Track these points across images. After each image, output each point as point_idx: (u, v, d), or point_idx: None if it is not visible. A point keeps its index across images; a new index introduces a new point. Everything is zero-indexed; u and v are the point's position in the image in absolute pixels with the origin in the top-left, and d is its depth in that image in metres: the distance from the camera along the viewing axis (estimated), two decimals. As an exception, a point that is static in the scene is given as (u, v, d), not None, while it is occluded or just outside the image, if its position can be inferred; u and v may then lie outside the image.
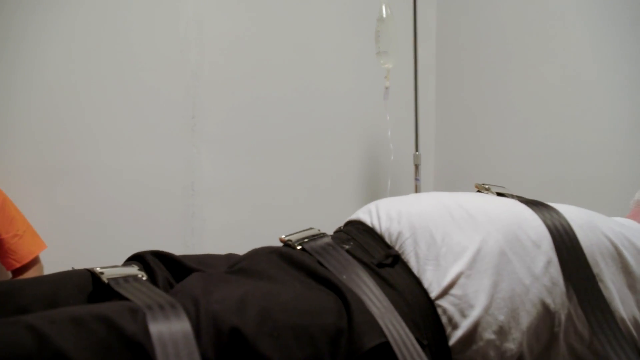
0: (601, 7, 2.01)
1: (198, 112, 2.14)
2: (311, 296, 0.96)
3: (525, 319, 1.05)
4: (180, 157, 2.13)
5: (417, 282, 1.06)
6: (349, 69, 2.45)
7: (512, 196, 1.32)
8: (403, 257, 1.10)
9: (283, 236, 1.17)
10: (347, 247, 1.13)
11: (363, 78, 2.45)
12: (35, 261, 1.86)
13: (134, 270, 1.01)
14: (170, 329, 0.82)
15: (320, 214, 2.19)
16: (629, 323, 1.11)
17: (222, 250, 1.30)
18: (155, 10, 2.07)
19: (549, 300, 1.06)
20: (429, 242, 1.09)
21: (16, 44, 1.88)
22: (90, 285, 0.99)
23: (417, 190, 2.37)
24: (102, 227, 2.00)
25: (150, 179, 2.07)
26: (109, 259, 1.21)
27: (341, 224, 1.33)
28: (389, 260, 1.09)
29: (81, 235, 1.97)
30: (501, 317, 1.03)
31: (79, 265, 1.07)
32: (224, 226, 2.18)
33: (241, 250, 1.21)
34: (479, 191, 1.41)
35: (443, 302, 1.03)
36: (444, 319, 1.02)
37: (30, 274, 1.84)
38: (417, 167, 2.39)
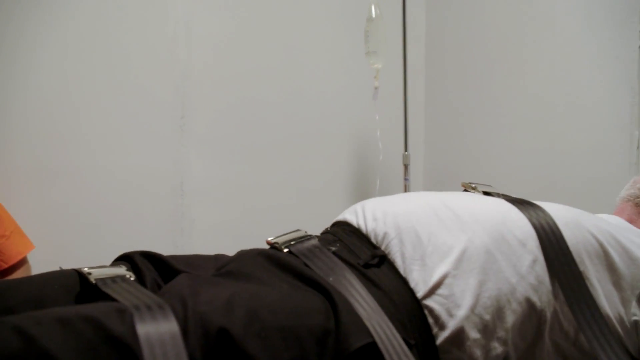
0: (588, 8, 2.03)
1: (187, 112, 2.14)
2: (298, 297, 0.96)
3: (511, 318, 1.05)
4: (170, 157, 2.12)
5: (404, 282, 1.06)
6: (338, 69, 2.45)
7: (498, 195, 1.32)
8: (389, 257, 1.10)
9: (270, 239, 1.17)
10: (333, 248, 1.13)
11: (352, 78, 2.45)
12: (23, 262, 1.85)
13: (121, 270, 1.01)
14: (157, 329, 0.82)
15: (309, 214, 2.20)
16: (614, 320, 1.12)
17: (211, 251, 1.30)
18: (144, 10, 2.07)
19: (535, 299, 1.07)
20: (415, 242, 1.10)
21: (7, 45, 1.88)
22: (78, 286, 0.99)
23: (406, 190, 2.38)
24: (91, 227, 2.00)
25: (139, 179, 2.07)
26: (98, 259, 1.21)
27: (330, 224, 1.33)
28: (375, 261, 1.10)
29: (70, 236, 1.97)
30: (487, 316, 1.03)
31: (68, 266, 1.06)
32: (213, 226, 2.18)
33: (230, 250, 1.22)
34: (465, 190, 1.42)
35: (429, 302, 1.04)
36: (430, 319, 1.03)
37: (18, 274, 1.83)
38: (406, 167, 2.40)
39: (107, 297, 0.91)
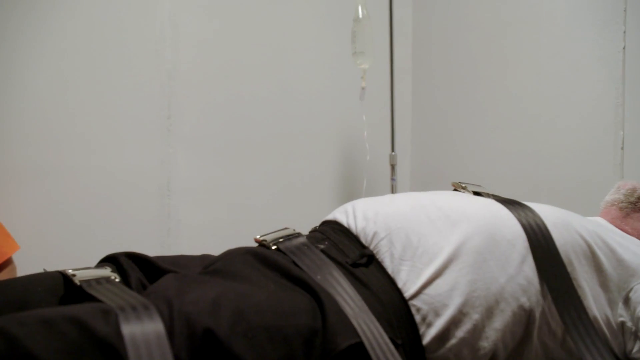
0: (573, 9, 2.04)
1: (174, 112, 2.13)
2: (285, 297, 0.96)
3: (500, 318, 1.06)
4: (156, 158, 2.11)
5: (392, 281, 1.07)
6: (325, 69, 2.45)
7: (488, 195, 1.33)
8: (378, 257, 1.11)
9: (258, 236, 1.17)
10: (322, 246, 1.13)
11: (339, 78, 2.45)
12: (7, 262, 1.83)
13: (106, 272, 1.00)
14: (143, 330, 0.81)
15: (296, 214, 2.19)
16: (601, 321, 1.13)
17: (198, 251, 1.30)
18: (130, 10, 2.05)
19: (523, 299, 1.08)
20: (405, 243, 1.10)
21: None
22: (62, 288, 0.98)
23: (393, 190, 2.38)
24: (77, 228, 1.98)
25: (125, 180, 2.06)
26: (84, 260, 1.20)
27: (317, 223, 1.33)
28: (364, 260, 1.10)
29: (55, 237, 1.95)
30: (475, 316, 1.04)
31: (54, 267, 1.06)
32: (200, 226, 2.17)
33: (218, 250, 1.21)
34: (455, 189, 1.42)
35: (417, 302, 1.04)
36: (417, 318, 1.03)
37: (3, 275, 1.81)
38: (393, 167, 2.40)
39: (91, 299, 0.90)
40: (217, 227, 2.19)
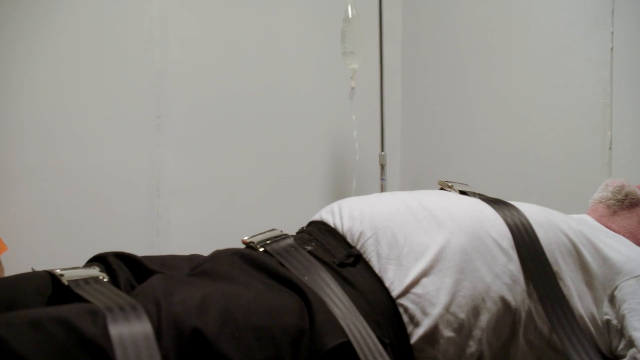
0: (562, 10, 2.05)
1: (163, 112, 2.13)
2: (273, 297, 0.96)
3: (486, 317, 1.06)
4: (145, 157, 2.11)
5: (379, 281, 1.07)
6: (315, 69, 2.45)
7: (474, 194, 1.33)
8: (365, 256, 1.11)
9: (245, 238, 1.17)
10: (309, 248, 1.13)
11: (329, 78, 2.45)
12: (-5, 263, 1.82)
13: (94, 271, 1.00)
14: (130, 330, 0.81)
15: (286, 213, 2.20)
16: (586, 319, 1.14)
17: (187, 251, 1.29)
18: (119, 9, 2.05)
19: (509, 298, 1.08)
20: (391, 242, 1.11)
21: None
22: (50, 288, 0.98)
23: (382, 189, 2.39)
24: (66, 227, 1.97)
25: (114, 179, 2.05)
26: (73, 260, 1.20)
27: (306, 223, 1.33)
28: (351, 260, 1.10)
29: (44, 237, 1.94)
30: (462, 315, 1.04)
31: (42, 267, 1.05)
32: (190, 226, 2.17)
33: (207, 250, 1.21)
34: (442, 188, 1.43)
35: (404, 301, 1.04)
36: (405, 318, 1.03)
37: (-9, 275, 1.81)
38: (382, 166, 2.40)
39: (79, 299, 0.90)
40: (207, 227, 2.18)
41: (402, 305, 1.04)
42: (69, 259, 1.25)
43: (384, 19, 2.43)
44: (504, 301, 1.08)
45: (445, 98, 2.48)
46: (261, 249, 1.12)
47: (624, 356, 1.11)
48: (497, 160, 2.25)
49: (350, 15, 2.25)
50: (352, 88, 2.28)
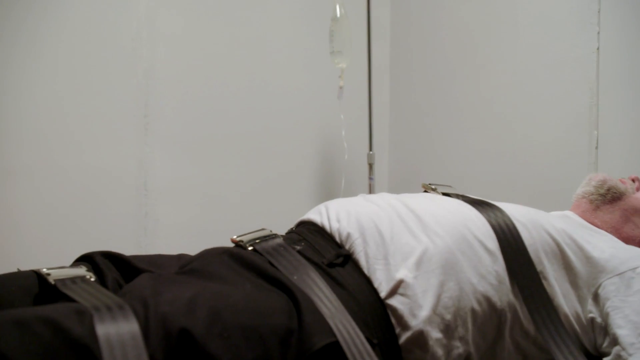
0: (549, 10, 2.06)
1: (151, 111, 2.12)
2: (261, 297, 0.96)
3: (472, 317, 1.07)
4: (133, 157, 2.10)
5: (368, 281, 1.07)
6: (303, 68, 2.45)
7: (457, 196, 1.34)
8: (353, 256, 1.11)
9: (234, 237, 1.17)
10: (298, 247, 1.14)
11: (317, 77, 2.45)
12: (-19, 262, 1.81)
13: (81, 271, 0.99)
14: (118, 330, 0.81)
15: (274, 213, 2.19)
16: (571, 318, 1.15)
17: (176, 250, 1.29)
18: (106, 7, 2.04)
19: (495, 299, 1.09)
20: (378, 242, 1.11)
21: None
22: (37, 287, 0.97)
23: (371, 188, 2.39)
24: (53, 227, 1.96)
25: (102, 179, 2.04)
26: (60, 259, 1.19)
27: (295, 222, 1.33)
28: (340, 260, 1.10)
29: (31, 235, 1.93)
30: (448, 316, 1.05)
31: (29, 266, 1.04)
32: (178, 226, 2.16)
33: (195, 249, 1.21)
34: (425, 191, 1.43)
35: (392, 302, 1.04)
36: (393, 319, 1.04)
37: (-24, 275, 1.79)
38: (371, 166, 2.41)
39: (66, 299, 0.90)
40: (195, 226, 2.18)
41: (390, 306, 1.04)
42: (56, 259, 1.24)
43: (372, 18, 2.43)
44: (489, 302, 1.08)
45: (434, 97, 2.49)
46: (250, 248, 1.12)
47: (609, 353, 1.12)
48: (484, 159, 2.26)
49: (338, 15, 2.25)
50: (341, 87, 2.28)
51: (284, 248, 1.12)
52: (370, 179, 2.39)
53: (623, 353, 1.07)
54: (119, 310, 0.84)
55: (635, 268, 1.14)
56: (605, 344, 1.13)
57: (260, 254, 1.10)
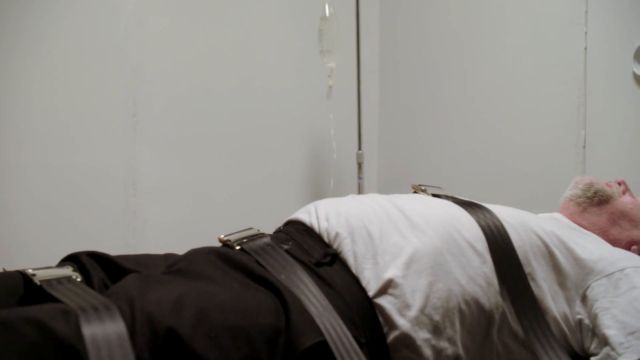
0: (537, 10, 2.07)
1: (139, 110, 2.11)
2: (249, 296, 0.96)
3: (461, 319, 1.07)
4: (122, 156, 2.09)
5: (356, 280, 1.07)
6: (292, 67, 2.45)
7: (446, 197, 1.34)
8: (341, 256, 1.11)
9: (222, 236, 1.16)
10: (286, 247, 1.13)
11: (306, 76, 2.45)
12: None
13: (67, 271, 0.99)
14: (104, 330, 0.80)
15: (263, 212, 2.19)
16: (560, 319, 1.15)
17: (164, 250, 1.28)
18: (94, 6, 2.03)
19: (484, 300, 1.09)
20: (367, 241, 1.11)
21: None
22: (22, 288, 0.96)
23: (360, 188, 2.39)
24: (40, 227, 1.95)
25: (90, 179, 2.03)
26: (47, 259, 1.18)
27: (283, 223, 1.33)
28: (328, 259, 1.10)
29: (17, 235, 1.92)
30: (437, 317, 1.05)
31: (15, 266, 1.04)
32: (166, 225, 2.15)
33: (184, 249, 1.20)
34: (415, 192, 1.43)
35: (381, 301, 1.04)
36: (381, 318, 1.04)
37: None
38: (360, 165, 2.41)
39: (52, 299, 0.89)
40: (184, 226, 2.17)
41: (378, 305, 1.04)
42: (44, 258, 1.23)
43: (362, 18, 2.43)
44: (478, 303, 1.09)
45: (423, 96, 2.50)
46: (238, 248, 1.12)
47: (597, 354, 1.12)
48: (473, 158, 2.27)
49: (327, 14, 2.25)
50: (330, 86, 2.28)
51: (272, 247, 1.11)
52: (360, 178, 2.40)
53: (612, 353, 1.08)
54: (105, 310, 0.83)
55: (623, 269, 1.15)
56: (593, 346, 1.14)
57: (248, 254, 1.09)
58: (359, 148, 2.42)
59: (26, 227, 1.93)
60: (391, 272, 1.06)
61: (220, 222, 2.17)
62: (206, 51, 2.24)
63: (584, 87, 1.92)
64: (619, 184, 1.44)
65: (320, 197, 2.37)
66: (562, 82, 1.97)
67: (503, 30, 2.17)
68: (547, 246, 1.17)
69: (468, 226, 1.16)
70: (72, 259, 1.08)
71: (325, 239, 1.15)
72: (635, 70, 1.82)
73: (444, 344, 1.05)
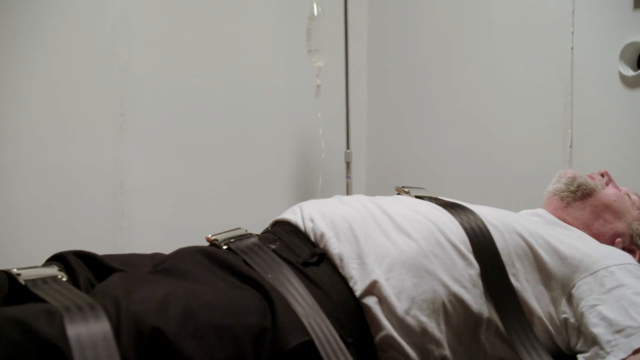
0: (524, 10, 2.08)
1: (127, 110, 2.10)
2: (235, 295, 0.96)
3: (446, 320, 1.07)
4: (109, 156, 2.08)
5: (343, 280, 1.07)
6: (281, 67, 2.45)
7: (430, 199, 1.34)
8: (328, 255, 1.11)
9: (209, 236, 1.16)
10: (273, 247, 1.13)
11: (294, 76, 2.45)
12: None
13: (53, 271, 0.98)
14: (89, 330, 0.80)
15: (251, 212, 2.19)
16: (545, 319, 1.15)
17: (152, 249, 1.28)
18: (81, 5, 2.02)
19: (469, 302, 1.09)
20: (352, 242, 1.11)
21: None
22: (7, 287, 0.96)
23: (348, 187, 2.39)
24: (27, 226, 1.94)
25: (77, 178, 2.02)
26: (34, 259, 1.18)
27: (270, 223, 1.33)
28: (315, 259, 1.10)
29: (3, 235, 1.91)
30: (423, 318, 1.05)
31: (0, 267, 1.03)
32: (154, 225, 2.15)
33: (172, 248, 1.20)
34: (399, 194, 1.43)
35: (367, 301, 1.04)
36: (368, 318, 1.04)
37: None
38: (348, 164, 2.41)
39: (37, 299, 0.89)
40: (172, 225, 2.16)
41: (365, 305, 1.04)
42: (30, 258, 1.22)
43: (350, 17, 2.43)
44: (463, 305, 1.09)
45: (411, 96, 2.50)
46: (225, 247, 1.12)
47: (583, 352, 1.12)
48: (461, 157, 2.28)
49: (315, 13, 2.25)
50: (318, 86, 2.28)
51: (259, 247, 1.11)
52: (348, 177, 2.40)
53: (601, 352, 1.08)
54: (90, 310, 0.83)
55: (608, 267, 1.15)
56: (579, 344, 1.14)
57: (235, 253, 1.09)
58: (347, 147, 2.42)
59: (12, 226, 1.92)
60: (376, 274, 1.06)
61: (208, 221, 2.16)
62: (194, 50, 2.23)
63: (570, 87, 1.93)
64: (602, 175, 1.44)
65: (308, 196, 2.37)
66: (549, 82, 1.98)
67: (490, 30, 2.18)
68: (531, 247, 1.18)
69: (452, 228, 1.16)
70: (58, 259, 1.07)
71: (312, 239, 1.15)
72: (621, 70, 1.84)
73: (430, 346, 1.05)
